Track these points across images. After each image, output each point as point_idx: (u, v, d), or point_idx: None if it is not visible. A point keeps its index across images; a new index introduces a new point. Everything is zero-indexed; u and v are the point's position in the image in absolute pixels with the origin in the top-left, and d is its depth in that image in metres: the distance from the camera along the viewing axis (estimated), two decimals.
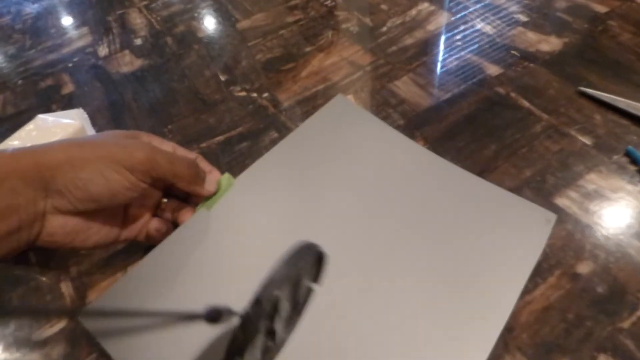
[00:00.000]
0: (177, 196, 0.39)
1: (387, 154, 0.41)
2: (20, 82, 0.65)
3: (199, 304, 0.27)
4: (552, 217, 0.37)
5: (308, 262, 0.27)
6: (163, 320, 0.31)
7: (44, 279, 0.40)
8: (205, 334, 0.30)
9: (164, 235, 0.36)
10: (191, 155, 0.38)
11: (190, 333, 0.30)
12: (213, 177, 0.38)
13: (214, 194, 0.38)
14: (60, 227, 0.28)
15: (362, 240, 0.35)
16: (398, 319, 0.31)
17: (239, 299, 0.25)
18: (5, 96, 0.63)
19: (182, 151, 0.37)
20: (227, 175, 0.40)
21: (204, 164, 0.39)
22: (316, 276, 0.30)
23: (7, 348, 0.36)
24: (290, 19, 0.69)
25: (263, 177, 0.41)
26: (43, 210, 0.27)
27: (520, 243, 0.35)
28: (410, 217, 0.36)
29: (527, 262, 0.34)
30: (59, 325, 0.37)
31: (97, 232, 0.32)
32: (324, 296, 0.31)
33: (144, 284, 0.35)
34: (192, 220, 0.37)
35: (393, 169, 0.40)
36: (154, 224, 0.36)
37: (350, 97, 0.53)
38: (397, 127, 0.48)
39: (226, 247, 0.37)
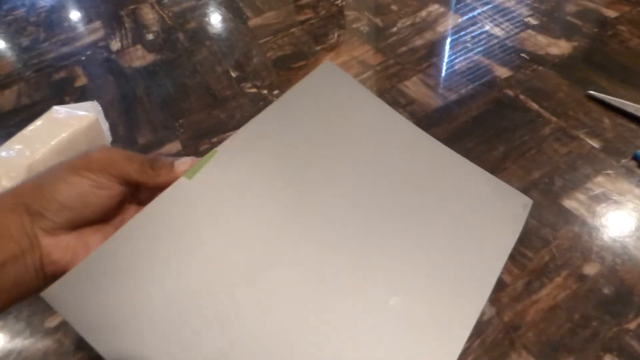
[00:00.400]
0: None
1: (375, 128, 0.40)
2: (34, 74, 0.66)
3: (171, 285, 0.28)
4: (529, 202, 0.37)
5: None
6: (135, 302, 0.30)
7: None
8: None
9: None
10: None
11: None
12: (187, 161, 0.34)
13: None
14: (55, 245, 0.28)
15: (344, 219, 0.34)
16: (378, 298, 0.31)
17: (214, 281, 0.26)
18: (19, 87, 0.64)
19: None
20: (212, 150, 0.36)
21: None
22: None
23: (20, 334, 0.37)
24: (301, 17, 0.69)
25: (246, 148, 0.37)
26: (34, 233, 0.27)
27: (499, 226, 0.35)
28: (393, 196, 0.36)
29: (504, 246, 0.34)
30: None
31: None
32: (310, 271, 0.31)
33: (115, 260, 0.33)
34: (170, 191, 0.33)
35: (380, 144, 0.38)
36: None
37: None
38: None
39: (206, 224, 0.34)
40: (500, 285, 0.35)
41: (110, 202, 0.31)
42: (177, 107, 0.57)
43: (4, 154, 0.43)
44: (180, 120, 0.54)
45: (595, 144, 0.44)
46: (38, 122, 0.47)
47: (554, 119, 0.47)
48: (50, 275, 0.27)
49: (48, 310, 0.38)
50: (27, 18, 0.80)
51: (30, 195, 0.27)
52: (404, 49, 0.60)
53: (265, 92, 0.57)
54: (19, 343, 0.37)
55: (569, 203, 0.40)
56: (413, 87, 0.54)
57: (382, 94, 0.53)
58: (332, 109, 0.39)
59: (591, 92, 0.49)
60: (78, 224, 0.29)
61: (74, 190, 0.28)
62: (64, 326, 0.37)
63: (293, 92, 0.39)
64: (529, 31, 0.60)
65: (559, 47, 0.56)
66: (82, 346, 0.36)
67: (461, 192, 0.37)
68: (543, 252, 0.37)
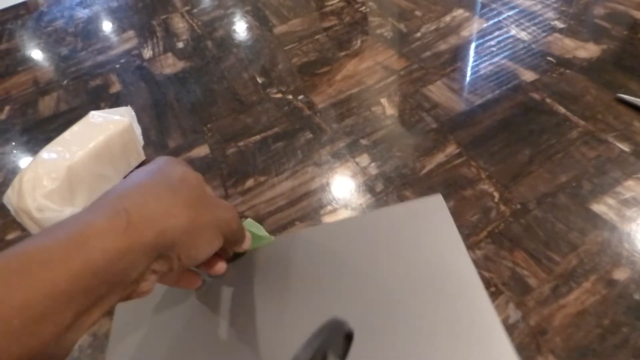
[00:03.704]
0: None
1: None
2: (72, 81, 0.69)
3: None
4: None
5: (335, 339, 0.27)
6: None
7: None
8: None
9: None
10: None
11: None
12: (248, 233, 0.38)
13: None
14: (153, 282, 0.26)
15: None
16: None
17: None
18: (58, 94, 0.67)
19: None
20: (249, 221, 0.39)
21: None
22: (343, 354, 0.29)
23: None
24: (325, 24, 0.70)
25: (307, 248, 0.41)
26: (144, 278, 0.25)
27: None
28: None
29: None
30: None
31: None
32: None
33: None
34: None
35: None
36: (188, 277, 0.35)
37: (384, 100, 0.54)
38: (430, 131, 0.49)
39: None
40: (526, 289, 0.35)
41: None
42: (206, 112, 0.58)
43: (45, 155, 0.45)
44: (209, 125, 0.56)
45: (625, 147, 0.43)
46: (76, 126, 0.49)
47: (581, 122, 0.47)
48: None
49: None
50: (65, 29, 0.84)
51: (180, 243, 0.25)
52: (427, 53, 0.60)
53: (290, 97, 0.58)
54: None
55: (597, 207, 0.39)
56: (437, 91, 0.54)
57: (405, 98, 0.54)
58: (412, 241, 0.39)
59: (620, 95, 0.48)
60: (180, 271, 0.30)
61: (208, 253, 0.28)
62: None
63: (393, 211, 0.41)
64: (556, 35, 0.59)
65: (587, 51, 0.55)
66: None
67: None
68: (571, 257, 0.36)
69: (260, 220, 0.44)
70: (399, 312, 0.34)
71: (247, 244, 0.34)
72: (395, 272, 0.37)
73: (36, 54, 0.79)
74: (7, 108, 0.66)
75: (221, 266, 0.34)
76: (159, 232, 0.23)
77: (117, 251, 0.22)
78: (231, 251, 0.35)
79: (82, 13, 0.88)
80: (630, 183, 0.40)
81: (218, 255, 0.35)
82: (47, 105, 0.65)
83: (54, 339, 0.19)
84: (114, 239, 0.22)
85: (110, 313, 0.39)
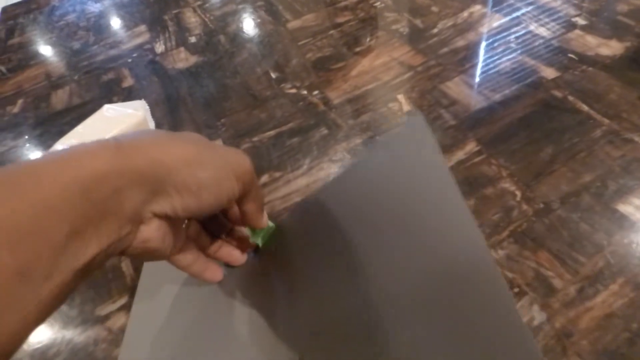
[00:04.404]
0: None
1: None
2: (84, 75, 0.69)
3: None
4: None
5: None
6: None
7: None
8: None
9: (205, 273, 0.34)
10: None
11: None
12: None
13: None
14: (155, 230, 0.24)
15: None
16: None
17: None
18: (71, 88, 0.67)
19: None
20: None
21: None
22: None
23: (73, 321, 0.39)
24: (339, 19, 0.70)
25: (313, 212, 0.39)
26: (142, 218, 0.23)
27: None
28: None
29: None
30: (120, 301, 0.39)
31: (172, 242, 0.28)
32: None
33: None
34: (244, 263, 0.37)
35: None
36: (212, 268, 0.34)
37: (401, 96, 0.53)
38: (449, 128, 0.48)
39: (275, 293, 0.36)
40: (550, 290, 0.34)
41: (220, 209, 0.29)
42: (219, 107, 0.58)
43: (59, 148, 0.45)
44: (222, 120, 0.56)
45: None
46: (90, 120, 0.49)
47: (606, 120, 0.46)
48: (121, 255, 0.24)
49: (98, 298, 0.40)
50: (77, 23, 0.84)
51: (176, 172, 0.23)
52: (445, 49, 0.59)
53: (304, 92, 0.57)
54: (71, 330, 0.38)
55: (624, 208, 0.38)
56: (455, 87, 0.53)
57: (423, 94, 0.53)
58: (402, 175, 0.36)
59: None
60: (186, 215, 0.25)
61: (218, 195, 0.25)
62: (114, 314, 0.38)
63: (376, 146, 0.38)
64: (577, 31, 0.58)
65: (610, 48, 0.54)
66: None
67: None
68: (597, 258, 0.35)
69: (275, 216, 0.43)
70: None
71: (264, 220, 0.33)
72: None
73: (48, 48, 0.79)
74: (19, 102, 0.66)
75: (239, 256, 0.34)
76: (153, 160, 0.22)
77: (106, 172, 0.21)
78: (255, 219, 0.32)
79: (93, 7, 0.88)
80: None
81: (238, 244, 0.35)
82: (59, 98, 0.65)
83: (48, 257, 0.19)
84: (104, 160, 0.21)
85: (126, 308, 0.38)
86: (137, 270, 0.41)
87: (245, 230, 0.37)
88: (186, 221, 0.32)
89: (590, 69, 0.52)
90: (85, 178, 0.20)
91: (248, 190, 0.29)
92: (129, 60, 0.71)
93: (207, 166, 0.24)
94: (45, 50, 0.79)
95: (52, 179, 0.19)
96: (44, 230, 0.19)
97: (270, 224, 0.37)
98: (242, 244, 0.37)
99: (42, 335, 0.38)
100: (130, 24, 0.81)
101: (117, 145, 0.22)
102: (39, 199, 0.19)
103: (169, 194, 0.23)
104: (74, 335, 0.38)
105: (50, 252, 0.19)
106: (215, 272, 0.34)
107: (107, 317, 0.38)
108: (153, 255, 0.27)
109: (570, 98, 0.49)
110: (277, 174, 0.47)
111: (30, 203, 0.18)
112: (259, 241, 0.36)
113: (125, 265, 0.42)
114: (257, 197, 0.30)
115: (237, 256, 0.36)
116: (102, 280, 0.41)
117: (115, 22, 0.82)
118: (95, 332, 0.38)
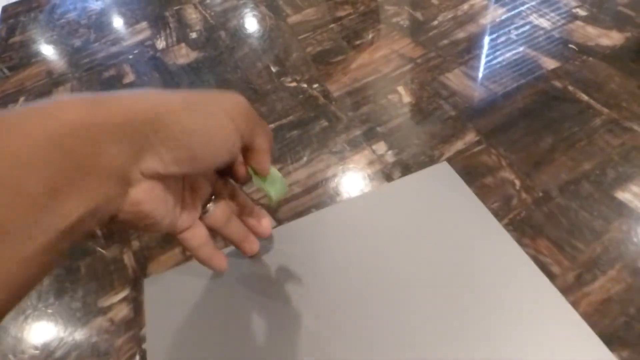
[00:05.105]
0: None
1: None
2: (85, 72, 0.69)
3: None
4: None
5: None
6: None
7: (107, 251, 0.43)
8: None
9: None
10: None
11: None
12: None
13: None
14: (147, 191, 0.22)
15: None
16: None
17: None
18: (72, 85, 0.67)
19: None
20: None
21: None
22: None
23: (76, 312, 0.39)
24: (340, 13, 0.70)
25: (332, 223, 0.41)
26: (129, 180, 0.21)
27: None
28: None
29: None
30: (123, 293, 0.40)
31: (170, 208, 0.26)
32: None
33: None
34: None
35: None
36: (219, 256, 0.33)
37: (400, 88, 0.53)
38: (449, 118, 0.48)
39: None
40: (549, 277, 0.34)
41: (222, 165, 0.26)
42: None
43: None
44: None
45: None
46: None
47: (605, 110, 0.45)
48: (112, 220, 0.22)
49: (101, 290, 0.40)
50: (78, 21, 0.84)
51: (163, 125, 0.21)
52: (445, 41, 0.59)
53: (305, 85, 0.57)
54: (74, 321, 0.39)
55: (622, 195, 0.38)
56: (455, 79, 0.53)
57: (423, 86, 0.53)
58: (430, 206, 0.40)
59: None
60: (179, 170, 0.23)
61: (212, 143, 0.23)
62: (116, 306, 0.39)
63: (403, 181, 0.41)
64: (578, 22, 0.58)
65: (610, 38, 0.54)
66: (130, 326, 0.37)
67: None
68: (595, 245, 0.35)
69: (276, 208, 0.44)
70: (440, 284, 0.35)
71: (267, 166, 0.30)
72: (426, 244, 0.37)
73: (49, 46, 0.80)
74: (21, 99, 0.67)
75: (264, 226, 0.34)
76: (132, 111, 0.20)
77: (81, 125, 0.19)
78: (260, 164, 0.29)
79: (94, 5, 0.88)
80: None
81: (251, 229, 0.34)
82: (61, 95, 0.65)
83: (27, 214, 0.17)
84: (78, 112, 0.19)
85: (128, 299, 0.39)
86: (139, 262, 0.42)
87: (257, 209, 0.37)
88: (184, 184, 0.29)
89: (590, 59, 0.52)
90: (57, 131, 0.18)
91: (251, 133, 0.26)
92: (130, 56, 0.71)
93: (196, 112, 0.22)
94: (46, 48, 0.79)
95: (21, 132, 0.18)
96: (18, 186, 0.17)
97: (278, 173, 0.33)
98: (258, 219, 0.36)
99: (44, 326, 0.38)
100: (131, 20, 0.81)
101: (93, 98, 0.20)
102: (9, 153, 0.17)
103: (156, 149, 0.21)
104: (77, 326, 0.38)
105: (29, 210, 0.17)
106: (222, 261, 0.33)
107: (109, 308, 0.39)
108: (149, 221, 0.24)
109: (570, 88, 0.49)
110: (278, 166, 0.48)
111: (2, 157, 0.17)
112: (272, 192, 0.32)
113: (127, 258, 0.42)
114: (264, 135, 0.28)
115: (263, 225, 0.34)
116: (104, 272, 0.41)
117: (116, 19, 0.83)
118: (97, 323, 0.38)
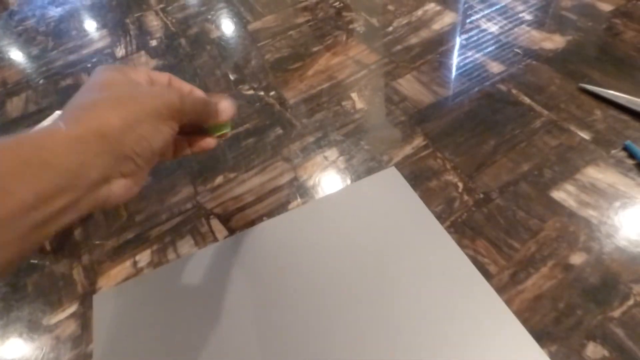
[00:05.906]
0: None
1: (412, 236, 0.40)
2: (42, 81, 0.68)
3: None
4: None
5: None
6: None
7: (56, 266, 0.43)
8: None
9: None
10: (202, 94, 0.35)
11: None
12: (222, 105, 0.36)
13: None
14: (118, 187, 0.26)
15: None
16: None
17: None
18: (27, 94, 0.66)
19: (198, 92, 0.35)
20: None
21: (215, 97, 0.36)
22: None
23: (20, 331, 0.39)
24: (299, 20, 0.70)
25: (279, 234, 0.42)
26: (108, 178, 0.25)
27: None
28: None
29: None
30: (70, 309, 0.39)
31: (136, 188, 0.30)
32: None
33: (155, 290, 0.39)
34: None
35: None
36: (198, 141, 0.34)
37: (354, 94, 0.54)
38: (399, 124, 0.49)
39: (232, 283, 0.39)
40: (486, 277, 0.35)
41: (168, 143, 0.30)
42: None
43: None
44: None
45: (585, 135, 0.44)
46: (44, 124, 0.48)
47: (545, 112, 0.47)
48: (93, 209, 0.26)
49: (48, 307, 0.40)
50: (36, 28, 0.83)
51: (126, 138, 0.25)
52: (398, 47, 0.60)
53: (261, 93, 0.58)
54: (19, 339, 0.38)
55: (557, 194, 0.40)
56: (406, 84, 0.54)
57: (375, 92, 0.54)
58: (377, 209, 0.42)
59: (583, 84, 0.49)
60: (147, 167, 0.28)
61: (164, 139, 0.28)
62: (62, 322, 0.39)
63: (352, 188, 0.42)
64: (524, 27, 0.60)
65: (553, 42, 0.56)
66: (77, 343, 0.37)
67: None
68: (530, 243, 0.37)
69: (228, 217, 0.44)
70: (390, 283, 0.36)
71: (224, 114, 0.34)
72: (375, 246, 0.39)
73: (5, 55, 0.78)
74: None
75: (208, 142, 0.34)
76: (100, 135, 0.24)
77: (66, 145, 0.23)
78: (213, 127, 0.34)
79: (54, 12, 0.87)
80: (589, 170, 0.41)
81: (201, 133, 0.35)
82: (15, 106, 0.64)
83: (17, 214, 0.20)
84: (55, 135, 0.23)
85: (75, 315, 0.39)
86: (88, 277, 0.41)
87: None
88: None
89: (534, 62, 0.54)
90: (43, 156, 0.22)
91: (189, 118, 0.30)
92: (89, 65, 0.70)
93: (143, 125, 0.26)
94: (2, 56, 0.78)
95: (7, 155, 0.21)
96: (8, 192, 0.20)
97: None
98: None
99: None
100: (91, 28, 0.80)
101: (64, 123, 0.24)
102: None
103: (129, 157, 0.26)
104: (22, 346, 0.38)
105: (21, 208, 0.21)
106: (202, 144, 0.34)
107: (56, 325, 0.39)
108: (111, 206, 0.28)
109: (514, 91, 0.51)
110: (232, 175, 0.48)
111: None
112: (228, 128, 0.35)
113: (77, 273, 0.42)
114: (201, 114, 0.32)
115: (204, 144, 0.35)
116: (52, 288, 0.41)
117: (76, 27, 0.82)
118: (42, 342, 0.38)
